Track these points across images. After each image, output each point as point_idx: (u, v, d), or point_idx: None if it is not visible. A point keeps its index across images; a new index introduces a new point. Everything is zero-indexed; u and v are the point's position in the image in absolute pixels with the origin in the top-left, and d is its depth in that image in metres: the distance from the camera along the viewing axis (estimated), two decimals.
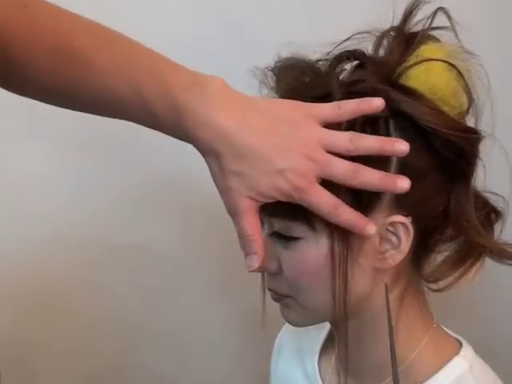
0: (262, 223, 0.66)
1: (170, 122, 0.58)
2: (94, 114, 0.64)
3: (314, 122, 0.59)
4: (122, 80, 0.59)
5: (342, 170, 0.58)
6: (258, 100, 0.62)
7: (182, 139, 0.59)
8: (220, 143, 0.57)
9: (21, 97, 0.65)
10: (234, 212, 0.59)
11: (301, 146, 0.57)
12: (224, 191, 0.59)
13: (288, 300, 0.67)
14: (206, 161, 0.59)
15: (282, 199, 0.58)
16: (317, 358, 0.77)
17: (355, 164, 0.58)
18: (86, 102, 0.62)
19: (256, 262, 0.59)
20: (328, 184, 0.59)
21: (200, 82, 0.58)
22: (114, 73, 0.59)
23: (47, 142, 1.00)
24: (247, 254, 0.59)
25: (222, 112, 0.57)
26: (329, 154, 0.58)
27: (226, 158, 0.57)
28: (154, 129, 0.60)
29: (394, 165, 0.62)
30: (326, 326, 0.77)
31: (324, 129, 0.59)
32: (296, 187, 0.57)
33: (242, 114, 0.57)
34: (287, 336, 0.84)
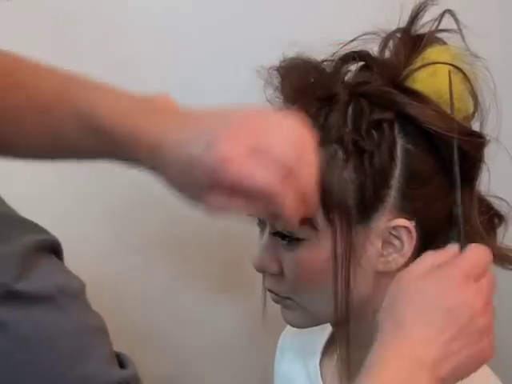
0: (264, 223, 0.66)
1: (124, 146, 0.52)
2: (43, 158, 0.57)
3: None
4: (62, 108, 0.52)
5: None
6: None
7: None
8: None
9: None
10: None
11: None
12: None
13: (288, 302, 0.67)
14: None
15: None
16: (318, 359, 0.77)
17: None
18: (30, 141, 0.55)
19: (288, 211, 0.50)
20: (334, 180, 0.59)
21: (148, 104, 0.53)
22: (53, 103, 0.53)
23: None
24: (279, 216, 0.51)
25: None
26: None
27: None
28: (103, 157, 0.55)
29: (398, 168, 0.62)
30: (329, 327, 0.77)
31: None
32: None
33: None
34: (290, 336, 0.84)
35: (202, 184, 0.50)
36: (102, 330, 0.45)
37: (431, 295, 0.56)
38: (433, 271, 0.56)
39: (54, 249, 0.45)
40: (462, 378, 0.56)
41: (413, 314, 0.55)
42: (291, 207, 0.50)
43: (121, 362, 0.46)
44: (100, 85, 0.54)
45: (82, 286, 0.46)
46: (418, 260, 0.58)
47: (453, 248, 0.57)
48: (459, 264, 0.56)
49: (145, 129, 0.51)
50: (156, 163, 0.51)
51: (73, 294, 0.44)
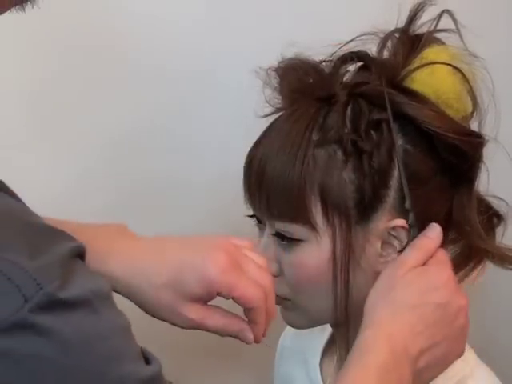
0: (264, 224, 0.66)
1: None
2: None
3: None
4: None
5: None
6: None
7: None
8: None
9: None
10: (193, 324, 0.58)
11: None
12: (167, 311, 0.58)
13: (287, 303, 0.67)
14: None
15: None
16: (319, 359, 0.77)
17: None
18: None
19: (248, 333, 0.58)
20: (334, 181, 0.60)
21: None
22: None
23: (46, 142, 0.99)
24: (238, 336, 0.59)
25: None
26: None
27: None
28: None
29: (397, 168, 0.62)
30: (329, 328, 0.76)
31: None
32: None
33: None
34: (290, 337, 0.84)
35: (189, 294, 0.56)
36: (129, 329, 0.47)
37: (424, 289, 0.59)
38: (425, 267, 0.61)
39: (80, 253, 0.46)
40: (433, 373, 0.60)
41: (407, 306, 0.59)
42: (264, 324, 0.58)
43: (145, 357, 0.47)
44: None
45: (110, 287, 0.47)
46: (412, 252, 0.61)
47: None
48: (449, 263, 0.61)
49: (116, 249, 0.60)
50: (132, 287, 0.58)
51: (104, 296, 0.46)
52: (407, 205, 0.61)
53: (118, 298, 1.05)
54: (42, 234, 0.45)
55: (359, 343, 0.57)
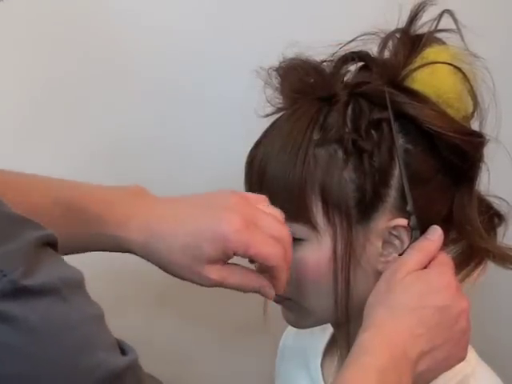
0: None
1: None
2: None
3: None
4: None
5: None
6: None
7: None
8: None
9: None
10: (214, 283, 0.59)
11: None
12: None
13: (288, 302, 0.67)
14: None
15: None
16: (320, 359, 0.77)
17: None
18: None
19: (269, 289, 0.59)
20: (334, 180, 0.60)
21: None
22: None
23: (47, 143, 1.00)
24: (259, 292, 0.60)
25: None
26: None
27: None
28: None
29: (398, 167, 0.62)
30: (330, 328, 0.76)
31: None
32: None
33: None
34: (292, 336, 0.84)
35: (206, 257, 0.57)
36: (102, 318, 0.46)
37: (425, 292, 0.59)
38: (426, 270, 0.61)
39: (50, 242, 0.46)
40: (434, 377, 0.60)
41: (407, 308, 0.58)
42: (285, 279, 0.59)
43: (122, 348, 0.47)
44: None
45: (81, 276, 0.47)
46: (412, 254, 0.61)
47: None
48: (450, 265, 0.61)
49: (132, 213, 0.61)
50: (151, 245, 0.59)
51: (74, 284, 0.45)
52: (409, 208, 0.61)
53: (118, 297, 1.05)
54: (7, 223, 0.44)
55: (358, 345, 0.57)
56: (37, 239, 0.44)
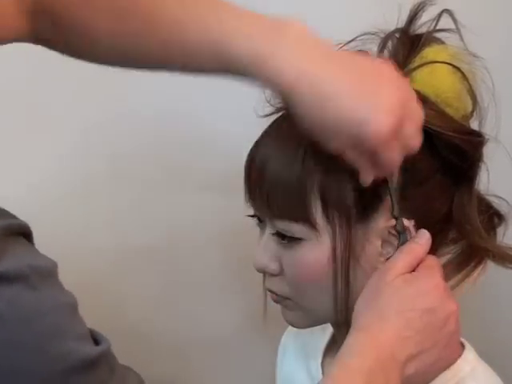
0: (265, 224, 0.66)
1: (252, 69, 0.53)
2: (166, 70, 0.58)
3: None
4: (195, 31, 0.54)
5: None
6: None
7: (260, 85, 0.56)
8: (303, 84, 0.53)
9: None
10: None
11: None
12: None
13: (288, 302, 0.67)
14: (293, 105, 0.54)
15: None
16: (320, 358, 0.77)
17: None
18: (158, 58, 0.57)
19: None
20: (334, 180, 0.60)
21: (279, 28, 0.55)
22: (185, 23, 0.54)
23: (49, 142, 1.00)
24: None
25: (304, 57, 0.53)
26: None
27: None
28: (225, 75, 0.56)
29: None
30: (330, 328, 0.76)
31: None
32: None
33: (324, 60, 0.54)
34: (292, 336, 0.84)
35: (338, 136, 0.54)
36: (74, 307, 0.46)
37: (412, 295, 0.59)
38: (414, 274, 0.60)
39: (23, 232, 0.46)
40: (424, 380, 0.60)
41: (394, 311, 0.58)
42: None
43: (95, 338, 0.47)
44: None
45: (54, 265, 0.47)
46: (400, 257, 0.61)
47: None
48: (438, 268, 0.61)
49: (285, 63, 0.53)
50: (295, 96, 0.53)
51: (45, 273, 0.45)
52: (395, 212, 0.61)
53: (118, 298, 1.05)
54: None
55: (346, 346, 0.57)
56: (4, 227, 0.44)
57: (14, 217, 0.46)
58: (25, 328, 0.42)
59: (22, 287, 0.42)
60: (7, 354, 0.41)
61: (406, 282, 0.60)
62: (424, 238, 0.62)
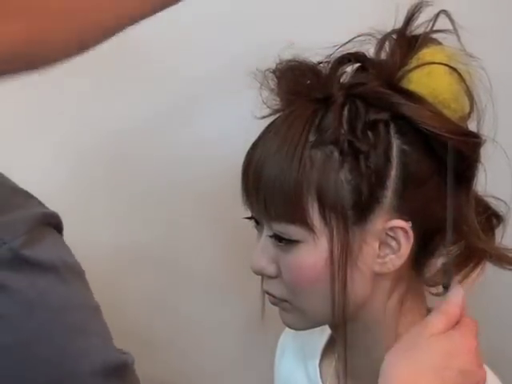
0: (262, 226, 0.66)
1: None
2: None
3: None
4: None
5: None
6: None
7: None
8: None
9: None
10: None
11: None
12: None
13: (286, 304, 0.67)
14: None
15: None
16: (318, 360, 0.77)
17: None
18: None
19: None
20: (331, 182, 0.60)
21: None
22: None
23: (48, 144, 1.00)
24: None
25: None
26: None
27: None
28: None
29: (394, 168, 0.62)
30: (328, 329, 0.77)
31: None
32: None
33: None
34: (290, 337, 0.84)
35: None
36: (99, 310, 0.46)
37: (449, 354, 0.59)
38: (451, 332, 0.60)
39: (56, 224, 0.45)
40: None
41: (431, 367, 0.58)
42: None
43: (120, 349, 0.46)
44: None
45: (82, 268, 0.46)
46: (437, 317, 0.61)
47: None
48: (475, 330, 0.61)
49: None
50: None
51: (76, 270, 0.44)
52: (448, 238, 0.62)
53: (118, 300, 1.05)
54: (12, 194, 0.44)
55: None
56: (44, 215, 0.43)
57: (47, 207, 0.45)
58: (53, 319, 0.41)
59: (54, 279, 0.42)
60: (32, 342, 0.41)
61: (442, 340, 0.59)
62: (458, 296, 0.62)
